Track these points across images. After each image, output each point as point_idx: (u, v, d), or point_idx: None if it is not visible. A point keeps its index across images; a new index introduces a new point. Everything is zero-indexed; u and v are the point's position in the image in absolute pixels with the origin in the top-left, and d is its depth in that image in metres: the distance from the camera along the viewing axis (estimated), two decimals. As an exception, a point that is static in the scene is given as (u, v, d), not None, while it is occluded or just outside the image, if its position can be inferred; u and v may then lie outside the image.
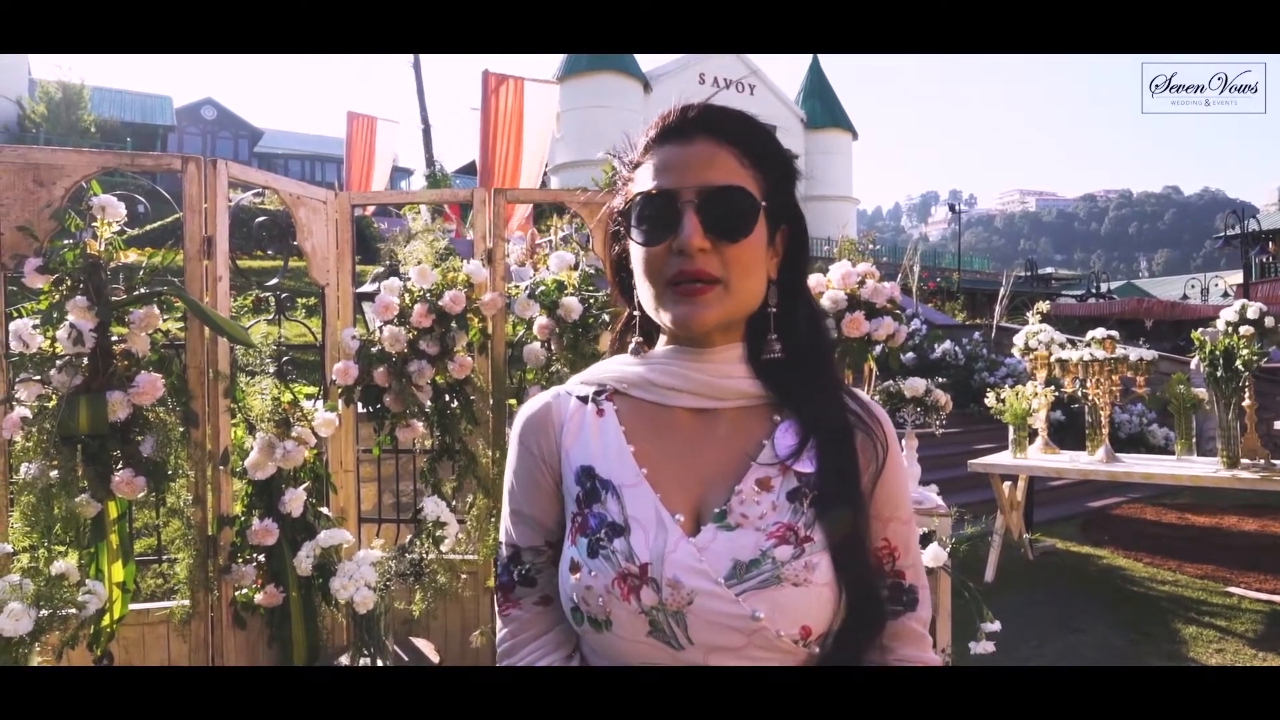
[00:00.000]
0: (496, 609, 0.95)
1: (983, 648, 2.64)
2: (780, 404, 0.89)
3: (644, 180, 0.86)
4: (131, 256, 2.54)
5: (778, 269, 0.90)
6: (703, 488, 0.85)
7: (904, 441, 3.23)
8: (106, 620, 2.46)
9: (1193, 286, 27.19)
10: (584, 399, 0.92)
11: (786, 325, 0.89)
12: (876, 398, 3.19)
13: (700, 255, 0.81)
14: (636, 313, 0.93)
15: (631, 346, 0.94)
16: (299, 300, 6.79)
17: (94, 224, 2.47)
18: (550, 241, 9.92)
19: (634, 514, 0.83)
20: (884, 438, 0.89)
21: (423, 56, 25.99)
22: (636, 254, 0.86)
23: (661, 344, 0.93)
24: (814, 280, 2.97)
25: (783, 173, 0.89)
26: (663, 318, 0.86)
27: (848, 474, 0.85)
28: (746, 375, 0.88)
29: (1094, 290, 30.11)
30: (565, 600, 0.86)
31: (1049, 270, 43.96)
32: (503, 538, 0.95)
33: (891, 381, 3.11)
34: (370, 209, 13.92)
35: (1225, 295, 24.47)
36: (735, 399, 0.88)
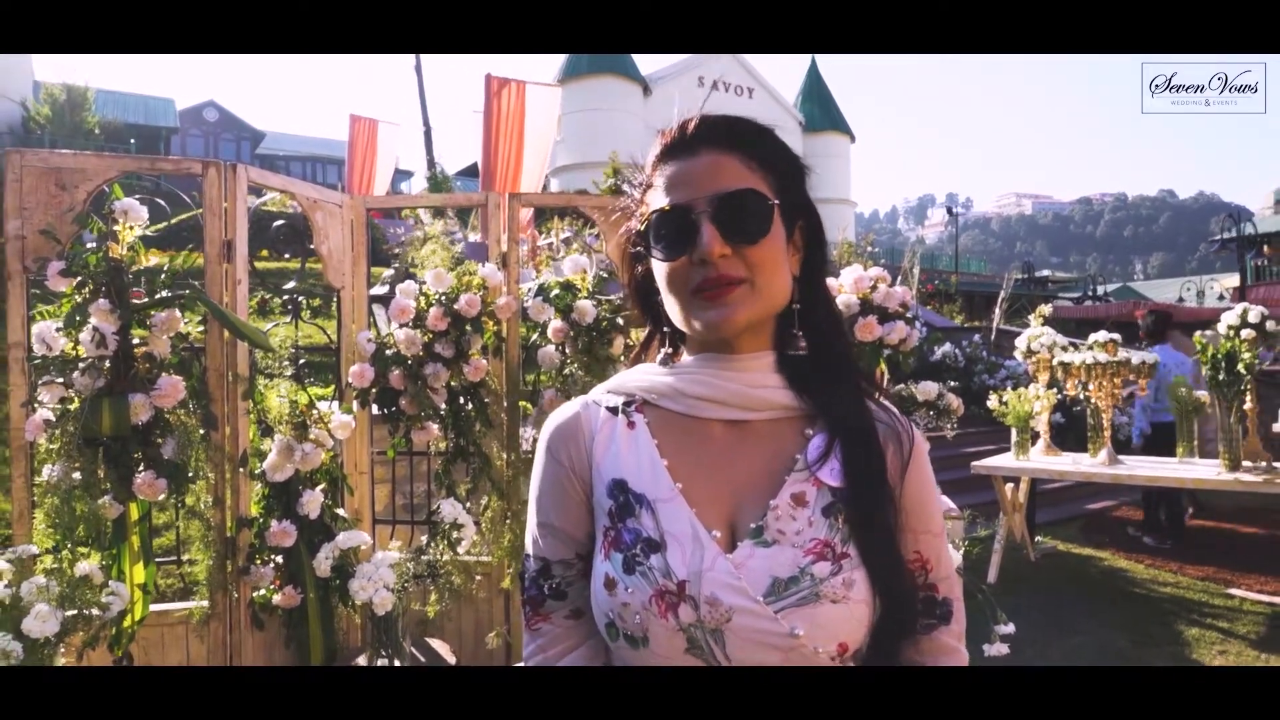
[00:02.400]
0: (524, 623, 0.94)
1: (996, 650, 2.66)
2: (812, 416, 0.88)
3: (657, 199, 0.87)
4: (153, 260, 2.56)
5: (800, 265, 0.91)
6: (737, 502, 0.84)
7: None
8: (128, 621, 2.48)
9: (1188, 289, 27.24)
10: (614, 410, 0.92)
11: (809, 321, 0.89)
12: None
13: (722, 261, 0.82)
14: (665, 329, 0.93)
15: (660, 356, 0.94)
16: (306, 302, 6.80)
17: (115, 227, 2.49)
18: (551, 244, 9.92)
19: (669, 529, 0.83)
20: (910, 447, 0.89)
21: (424, 59, 25.97)
22: (660, 270, 0.87)
23: (689, 354, 0.93)
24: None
25: (790, 169, 0.89)
26: (693, 326, 0.85)
27: (876, 479, 0.85)
28: (779, 385, 0.88)
29: (1091, 293, 30.18)
30: (599, 616, 0.85)
31: (1046, 273, 44.06)
32: (529, 549, 0.93)
33: (904, 385, 3.14)
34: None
35: (1221, 298, 24.52)
36: (767, 410, 0.87)
